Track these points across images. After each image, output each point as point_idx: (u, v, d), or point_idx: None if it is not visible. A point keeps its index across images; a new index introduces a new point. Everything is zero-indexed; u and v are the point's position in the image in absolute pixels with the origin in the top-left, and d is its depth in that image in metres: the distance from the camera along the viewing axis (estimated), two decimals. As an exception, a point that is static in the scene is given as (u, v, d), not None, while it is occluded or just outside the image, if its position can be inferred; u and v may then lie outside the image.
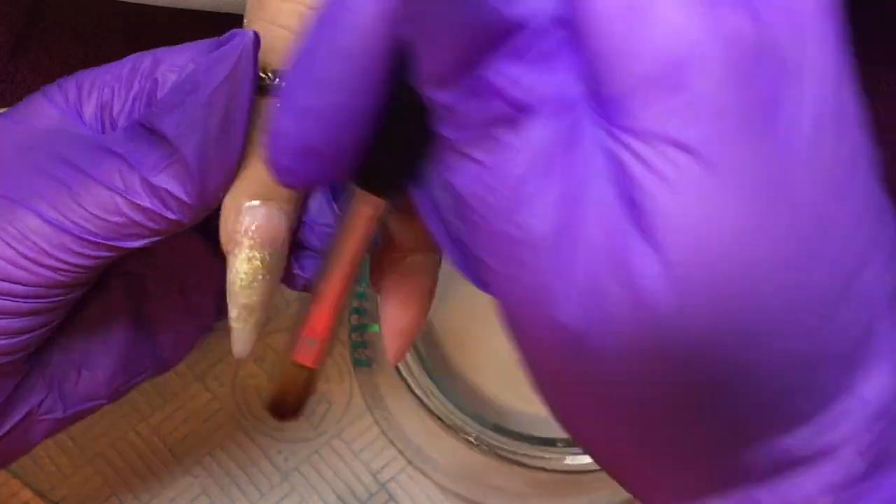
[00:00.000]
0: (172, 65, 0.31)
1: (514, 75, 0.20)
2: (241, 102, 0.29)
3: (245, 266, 0.30)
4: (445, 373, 0.41)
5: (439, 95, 0.21)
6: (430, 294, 0.32)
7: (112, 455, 0.45)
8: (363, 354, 0.45)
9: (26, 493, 0.44)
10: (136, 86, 0.32)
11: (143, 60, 0.32)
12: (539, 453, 0.39)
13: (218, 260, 0.35)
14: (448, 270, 0.35)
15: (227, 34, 0.29)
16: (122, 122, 0.32)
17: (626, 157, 0.20)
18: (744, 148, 0.20)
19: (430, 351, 0.41)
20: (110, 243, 0.30)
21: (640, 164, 0.20)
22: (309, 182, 0.24)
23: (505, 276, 0.22)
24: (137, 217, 0.29)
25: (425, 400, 0.39)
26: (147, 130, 0.30)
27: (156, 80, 0.31)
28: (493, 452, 0.39)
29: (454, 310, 0.43)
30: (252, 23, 0.30)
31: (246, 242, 0.30)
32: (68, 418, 0.34)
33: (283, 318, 0.48)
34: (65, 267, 0.30)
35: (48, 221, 0.29)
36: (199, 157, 0.29)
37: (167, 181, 0.29)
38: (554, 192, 0.20)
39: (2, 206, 0.30)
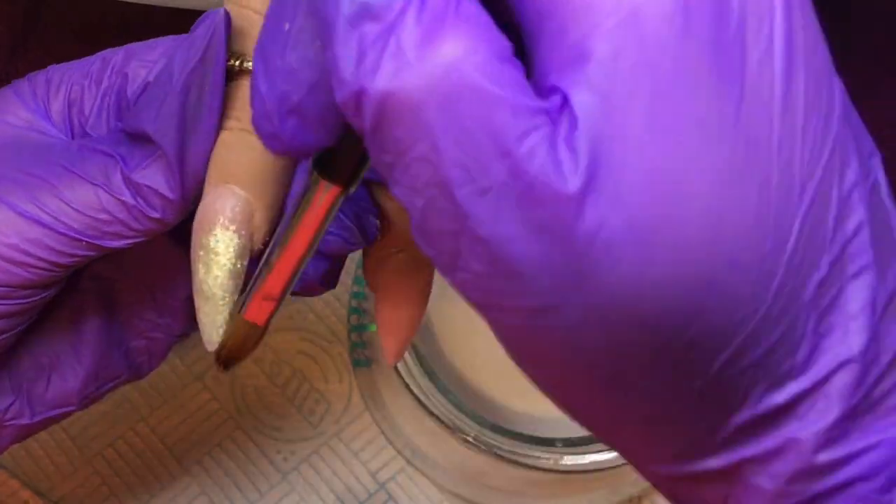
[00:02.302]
0: (143, 60, 0.31)
1: None
2: (215, 83, 0.27)
3: (221, 247, 0.29)
4: (445, 373, 0.41)
5: None
6: (427, 290, 0.32)
7: (111, 455, 0.45)
8: (362, 354, 0.45)
9: (25, 493, 0.44)
10: (105, 82, 0.31)
11: (114, 56, 0.31)
12: (538, 453, 0.39)
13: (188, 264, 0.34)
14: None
15: (198, 19, 0.28)
16: (92, 120, 0.31)
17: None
18: (707, 96, 0.19)
19: (429, 351, 0.41)
20: (91, 241, 0.29)
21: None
22: (295, 146, 0.24)
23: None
24: (121, 214, 0.29)
25: (424, 400, 0.39)
26: (128, 134, 0.29)
27: (126, 76, 0.31)
28: (492, 452, 0.39)
29: (454, 309, 0.43)
30: (225, 6, 0.29)
31: (225, 223, 0.28)
32: (36, 425, 0.33)
33: (281, 317, 0.48)
34: (39, 265, 0.29)
35: (22, 215, 0.28)
36: (178, 146, 0.28)
37: (149, 178, 0.28)
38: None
39: None
